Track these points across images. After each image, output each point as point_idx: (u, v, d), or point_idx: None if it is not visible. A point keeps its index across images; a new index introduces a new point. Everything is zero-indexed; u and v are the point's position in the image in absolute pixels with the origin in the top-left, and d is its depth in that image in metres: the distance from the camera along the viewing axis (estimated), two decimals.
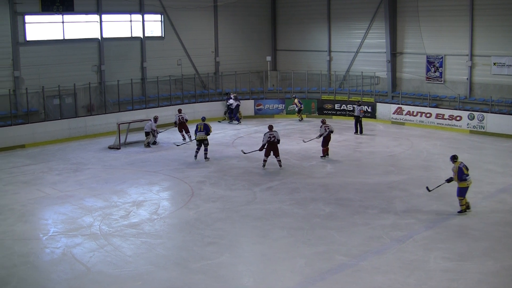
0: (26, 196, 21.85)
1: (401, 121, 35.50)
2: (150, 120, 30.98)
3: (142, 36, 38.46)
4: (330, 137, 27.34)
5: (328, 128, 27.06)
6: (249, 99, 39.52)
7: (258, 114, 39.13)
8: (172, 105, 37.38)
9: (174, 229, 18.39)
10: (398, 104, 36.12)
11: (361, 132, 32.54)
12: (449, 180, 19.29)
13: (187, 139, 31.13)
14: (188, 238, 17.37)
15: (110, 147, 30.05)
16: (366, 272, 14.65)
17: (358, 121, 32.74)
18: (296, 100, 37.63)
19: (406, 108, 35.50)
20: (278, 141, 25.10)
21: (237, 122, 36.98)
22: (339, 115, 38.09)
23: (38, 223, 19.27)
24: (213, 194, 21.79)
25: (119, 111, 34.99)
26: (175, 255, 16.16)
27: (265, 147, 25.07)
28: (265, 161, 25.25)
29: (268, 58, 43.01)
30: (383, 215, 18.92)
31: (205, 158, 27.03)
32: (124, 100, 36.48)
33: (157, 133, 31.04)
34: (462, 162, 18.93)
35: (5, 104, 31.67)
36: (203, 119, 28.04)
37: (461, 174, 18.66)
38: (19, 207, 20.61)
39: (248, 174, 24.49)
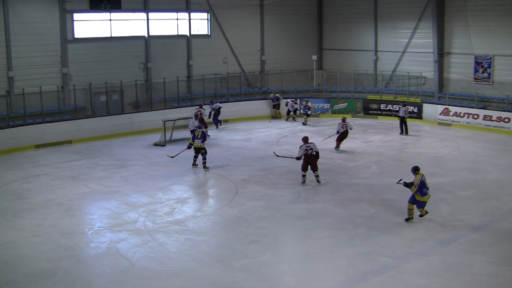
0: (72, 191, 22.15)
1: (448, 122, 35.04)
2: (191, 118, 31.02)
3: (188, 34, 38.68)
4: (347, 135, 28.77)
5: (346, 126, 28.45)
6: (294, 98, 39.37)
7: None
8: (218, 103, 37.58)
9: (218, 226, 18.45)
10: (445, 105, 35.67)
11: (406, 133, 32.22)
12: (407, 185, 18.16)
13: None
14: (231, 236, 17.42)
15: (155, 144, 30.28)
16: (409, 274, 14.50)
17: (403, 121, 32.42)
18: (309, 103, 36.95)
19: (453, 109, 35.02)
20: (317, 155, 22.57)
21: (218, 125, 35.60)
22: (385, 115, 37.79)
23: (84, 218, 19.53)
24: (257, 192, 21.79)
25: (164, 109, 35.26)
26: (218, 253, 16.22)
27: (302, 160, 22.57)
28: (304, 176, 22.69)
29: (314, 57, 42.83)
30: (427, 217, 18.67)
31: (204, 168, 25.12)
32: (170, 97, 36.76)
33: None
34: (423, 175, 17.96)
35: (53, 100, 32.18)
36: (200, 126, 26.52)
37: (422, 187, 17.77)
38: (66, 201, 20.90)
39: (292, 173, 24.42)
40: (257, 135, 32.76)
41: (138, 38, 36.44)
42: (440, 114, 35.43)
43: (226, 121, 36.71)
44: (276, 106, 38.29)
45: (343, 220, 18.53)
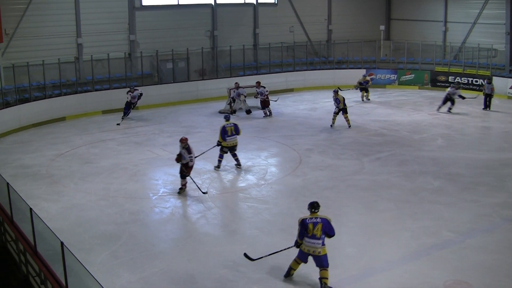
0: (138, 156, 22.50)
1: None
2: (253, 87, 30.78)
3: (255, 2, 38.62)
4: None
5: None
6: (360, 68, 39.01)
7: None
8: (283, 72, 37.49)
9: (281, 195, 18.50)
10: None
11: (489, 108, 31.04)
12: (298, 244, 12.71)
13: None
14: (294, 205, 17.43)
15: (220, 112, 30.42)
16: (472, 250, 14.26)
17: (488, 97, 31.20)
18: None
19: None
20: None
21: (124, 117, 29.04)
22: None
23: (149, 183, 19.84)
24: (321, 162, 21.74)
25: (230, 77, 35.36)
26: (280, 221, 16.26)
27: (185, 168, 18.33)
28: (185, 185, 18.61)
29: (382, 27, 42.21)
30: (493, 193, 18.32)
31: (238, 166, 21.02)
32: (236, 65, 36.85)
33: (240, 99, 30.63)
34: (318, 218, 12.38)
35: (121, 67, 32.61)
36: (228, 117, 21.25)
37: (302, 231, 12.42)
38: (131, 166, 21.25)
39: (356, 143, 24.28)
40: (322, 105, 32.56)
41: (205, 6, 36.55)
42: (511, 88, 34.50)
43: (291, 90, 36.63)
44: (365, 90, 34.32)
45: (407, 193, 18.34)
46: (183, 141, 18.28)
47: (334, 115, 27.23)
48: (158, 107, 32.02)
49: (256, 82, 30.66)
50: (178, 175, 18.62)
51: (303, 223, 12.36)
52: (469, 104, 31.75)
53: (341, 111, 27.00)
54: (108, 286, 11.56)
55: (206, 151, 21.43)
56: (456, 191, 18.51)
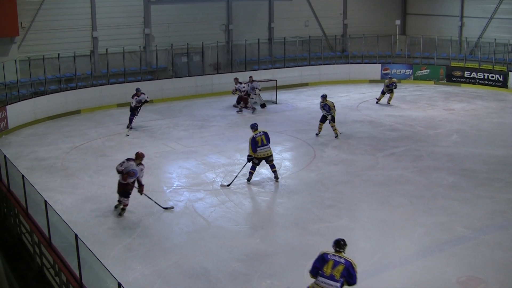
0: (152, 149, 22.50)
1: None
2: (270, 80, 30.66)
3: None
4: None
5: None
6: (376, 63, 38.89)
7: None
8: (298, 66, 37.44)
9: (295, 189, 18.45)
10: None
11: None
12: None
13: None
14: (308, 200, 17.42)
15: (235, 106, 30.41)
16: (487, 247, 14.18)
17: None
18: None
19: None
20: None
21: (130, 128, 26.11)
22: (469, 83, 36.82)
23: (163, 176, 19.85)
24: (335, 157, 21.69)
25: (245, 71, 35.29)
26: (294, 216, 16.26)
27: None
28: (126, 205, 16.34)
29: (397, 22, 42.04)
30: (509, 189, 18.19)
31: (276, 179, 19.03)
32: (251, 59, 36.81)
33: (254, 93, 30.21)
34: (342, 258, 10.36)
35: (136, 60, 32.70)
36: (255, 126, 19.08)
37: (317, 265, 10.43)
38: (146, 160, 20.96)
39: (371, 139, 24.20)
40: (337, 99, 32.28)
41: (220, 0, 36.51)
42: None
43: (306, 84, 36.60)
44: (390, 92, 31.45)
45: (422, 189, 18.27)
46: (142, 157, 16.48)
47: (320, 123, 24.59)
48: (173, 101, 32.06)
49: (234, 78, 30.57)
50: (194, 169, 18.57)
51: (322, 257, 10.32)
52: (485, 100, 31.67)
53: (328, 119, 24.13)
54: (122, 278, 11.60)
55: (238, 173, 18.96)
56: (471, 187, 18.42)
